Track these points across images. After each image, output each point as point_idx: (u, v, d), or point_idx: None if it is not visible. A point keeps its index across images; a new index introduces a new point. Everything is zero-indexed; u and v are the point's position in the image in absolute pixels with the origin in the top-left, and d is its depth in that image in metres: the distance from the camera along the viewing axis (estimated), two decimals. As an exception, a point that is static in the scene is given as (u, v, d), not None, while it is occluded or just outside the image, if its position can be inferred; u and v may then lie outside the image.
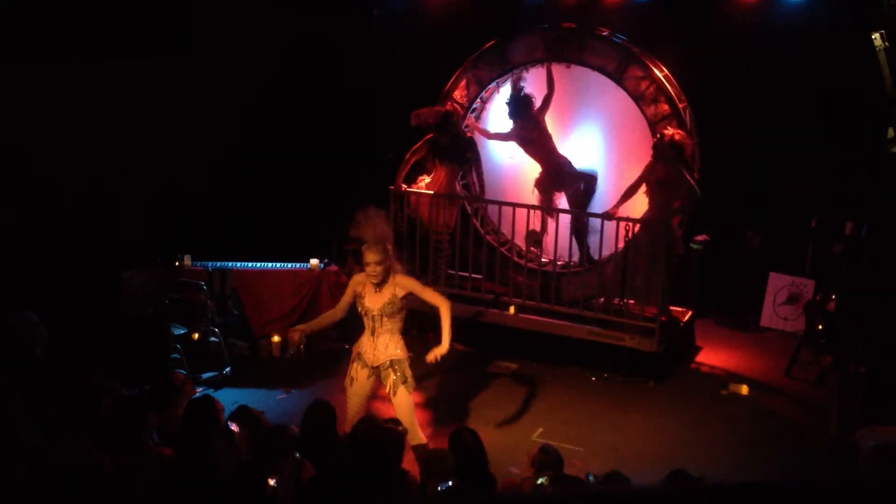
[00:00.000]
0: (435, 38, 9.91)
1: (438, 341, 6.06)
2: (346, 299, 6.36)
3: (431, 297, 6.17)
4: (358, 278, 6.24)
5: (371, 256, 6.02)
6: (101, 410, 5.33)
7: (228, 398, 7.03)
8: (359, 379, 6.27)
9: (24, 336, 6.31)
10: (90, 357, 6.51)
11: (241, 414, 5.58)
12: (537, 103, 8.73)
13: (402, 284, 6.12)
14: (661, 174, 8.22)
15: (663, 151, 8.15)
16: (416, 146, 8.92)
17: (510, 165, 9.32)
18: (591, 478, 5.33)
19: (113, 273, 8.05)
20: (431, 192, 8.92)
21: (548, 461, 5.31)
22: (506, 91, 9.08)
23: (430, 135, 8.87)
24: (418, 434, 6.23)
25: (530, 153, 8.92)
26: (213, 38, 9.43)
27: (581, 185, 8.87)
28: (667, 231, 8.20)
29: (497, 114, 9.26)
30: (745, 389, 8.14)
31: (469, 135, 9.16)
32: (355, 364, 6.29)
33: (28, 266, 7.63)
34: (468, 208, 9.20)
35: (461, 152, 8.93)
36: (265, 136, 9.87)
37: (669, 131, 8.19)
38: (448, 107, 9.15)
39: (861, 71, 8.23)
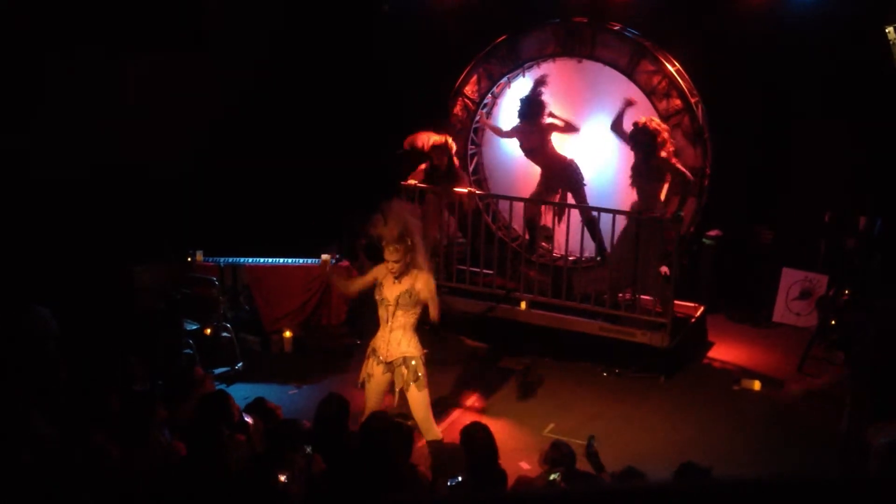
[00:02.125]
0: (446, 32, 9.89)
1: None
2: (365, 279, 6.39)
3: (433, 310, 6.19)
4: (382, 268, 6.25)
5: (390, 255, 6.05)
6: (111, 404, 5.35)
7: (240, 393, 7.05)
8: (375, 375, 6.25)
9: (36, 330, 6.34)
10: (102, 351, 6.53)
11: (257, 406, 5.60)
12: (546, 115, 8.68)
13: (423, 284, 6.12)
14: (640, 164, 8.14)
15: (637, 139, 8.10)
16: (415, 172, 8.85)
17: (520, 161, 9.28)
18: (592, 442, 5.36)
19: (125, 268, 8.07)
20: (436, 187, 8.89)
21: (560, 457, 5.31)
22: (517, 86, 9.07)
23: (427, 164, 8.75)
24: (433, 430, 6.23)
25: (529, 158, 8.91)
26: (223, 32, 9.43)
27: (584, 183, 8.82)
28: (655, 221, 8.13)
29: (508, 109, 9.24)
30: (757, 385, 8.10)
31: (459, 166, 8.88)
32: (370, 360, 6.28)
33: (40, 260, 7.66)
34: (479, 204, 9.19)
35: (453, 180, 8.75)
36: (278, 134, 9.87)
37: (642, 119, 8.14)
38: (458, 104, 9.13)
39: (875, 65, 8.18)
